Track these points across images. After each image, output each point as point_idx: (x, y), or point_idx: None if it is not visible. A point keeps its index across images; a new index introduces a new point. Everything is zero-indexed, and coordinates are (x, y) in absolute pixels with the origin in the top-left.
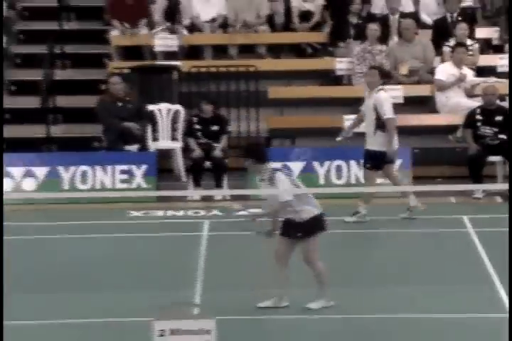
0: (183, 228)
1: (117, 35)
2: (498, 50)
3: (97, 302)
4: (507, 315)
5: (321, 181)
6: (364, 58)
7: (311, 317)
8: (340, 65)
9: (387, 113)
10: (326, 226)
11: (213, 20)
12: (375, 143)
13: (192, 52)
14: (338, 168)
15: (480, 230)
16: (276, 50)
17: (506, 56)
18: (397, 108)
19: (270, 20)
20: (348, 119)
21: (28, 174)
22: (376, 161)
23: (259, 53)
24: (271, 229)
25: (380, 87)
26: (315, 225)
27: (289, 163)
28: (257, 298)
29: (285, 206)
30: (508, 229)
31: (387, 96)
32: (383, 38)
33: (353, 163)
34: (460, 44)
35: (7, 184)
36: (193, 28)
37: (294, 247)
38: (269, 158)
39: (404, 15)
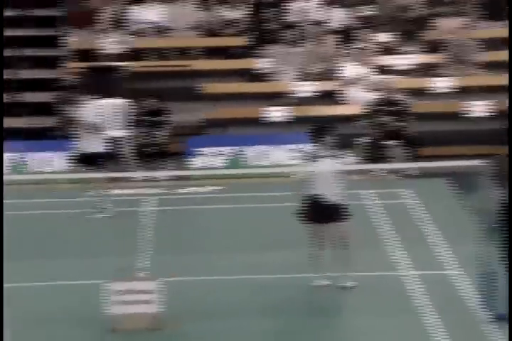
0: (131, 204)
1: (73, 40)
2: (393, 51)
3: (61, 267)
4: (404, 272)
5: (249, 162)
6: (282, 59)
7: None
8: (262, 64)
9: None
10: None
11: (154, 26)
12: None
13: (136, 54)
14: (263, 152)
15: (379, 202)
16: (208, 52)
17: (401, 56)
18: (310, 100)
19: (202, 26)
20: (270, 110)
21: None
22: None
23: (194, 55)
24: None
25: None
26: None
27: (221, 148)
28: (198, 262)
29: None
30: None
31: None
32: (297, 42)
33: (275, 147)
34: (362, 47)
35: None
36: (138, 33)
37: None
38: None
39: (314, 22)
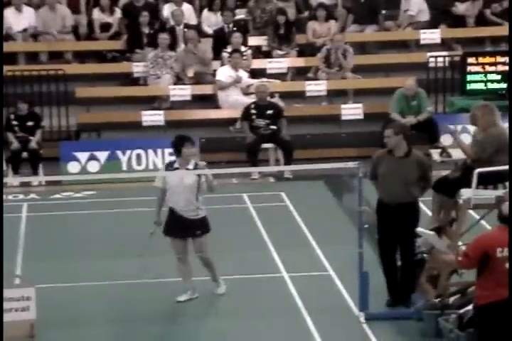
0: (5, 210)
1: None
2: (267, 55)
3: None
4: (281, 274)
5: (124, 167)
6: (157, 63)
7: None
8: (136, 68)
9: None
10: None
11: (25, 30)
12: None
13: (7, 58)
14: (138, 156)
15: (257, 205)
16: (81, 56)
17: (274, 60)
18: (186, 104)
19: (75, 30)
20: (145, 115)
21: None
22: None
23: (67, 59)
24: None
25: None
26: (207, 223)
27: (96, 153)
28: (72, 268)
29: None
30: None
31: None
32: (172, 46)
33: (150, 151)
34: (236, 50)
35: None
36: (7, 37)
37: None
38: (179, 153)
39: (188, 26)
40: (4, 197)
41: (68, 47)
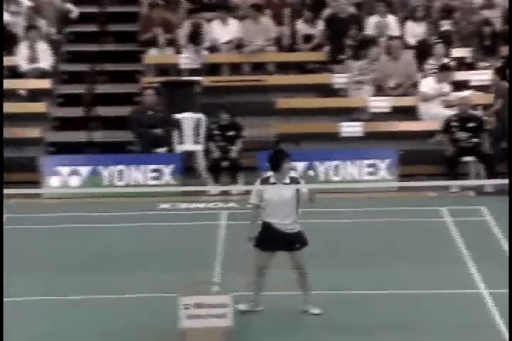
0: (204, 218)
1: (149, 54)
2: (471, 67)
3: (131, 280)
4: (477, 291)
5: (322, 178)
6: (361, 74)
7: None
8: (337, 79)
9: None
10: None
11: (229, 42)
12: None
13: (211, 69)
14: (336, 167)
15: (456, 219)
16: (282, 67)
17: (478, 72)
18: (386, 116)
19: (278, 42)
20: (344, 126)
21: (74, 172)
22: None
23: (269, 70)
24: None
25: None
26: (305, 237)
27: (294, 163)
28: (273, 279)
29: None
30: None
31: None
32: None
33: (348, 163)
34: (441, 63)
35: (56, 181)
36: (212, 49)
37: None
38: (278, 168)
39: (391, 37)
40: (204, 205)
41: (270, 58)
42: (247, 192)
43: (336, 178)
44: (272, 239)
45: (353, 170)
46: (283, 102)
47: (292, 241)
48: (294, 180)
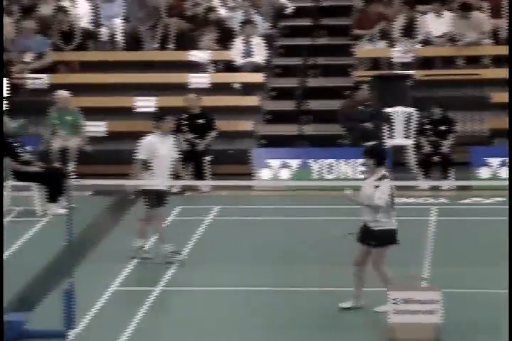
0: (413, 213)
1: (361, 48)
2: None
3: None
4: None
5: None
6: None
7: None
8: None
9: None
10: (397, 240)
11: (443, 35)
12: None
13: (424, 62)
14: None
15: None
16: (499, 61)
17: None
18: None
19: (495, 35)
20: None
21: (284, 165)
22: None
23: (484, 63)
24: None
25: None
26: (387, 237)
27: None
28: (483, 275)
29: (372, 210)
30: None
31: None
32: None
33: None
34: None
35: (266, 173)
36: (425, 42)
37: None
38: (385, 163)
39: None
40: (413, 200)
41: (486, 51)
42: (458, 188)
43: None
44: (360, 231)
45: None
46: (497, 96)
47: (369, 238)
48: (383, 177)
